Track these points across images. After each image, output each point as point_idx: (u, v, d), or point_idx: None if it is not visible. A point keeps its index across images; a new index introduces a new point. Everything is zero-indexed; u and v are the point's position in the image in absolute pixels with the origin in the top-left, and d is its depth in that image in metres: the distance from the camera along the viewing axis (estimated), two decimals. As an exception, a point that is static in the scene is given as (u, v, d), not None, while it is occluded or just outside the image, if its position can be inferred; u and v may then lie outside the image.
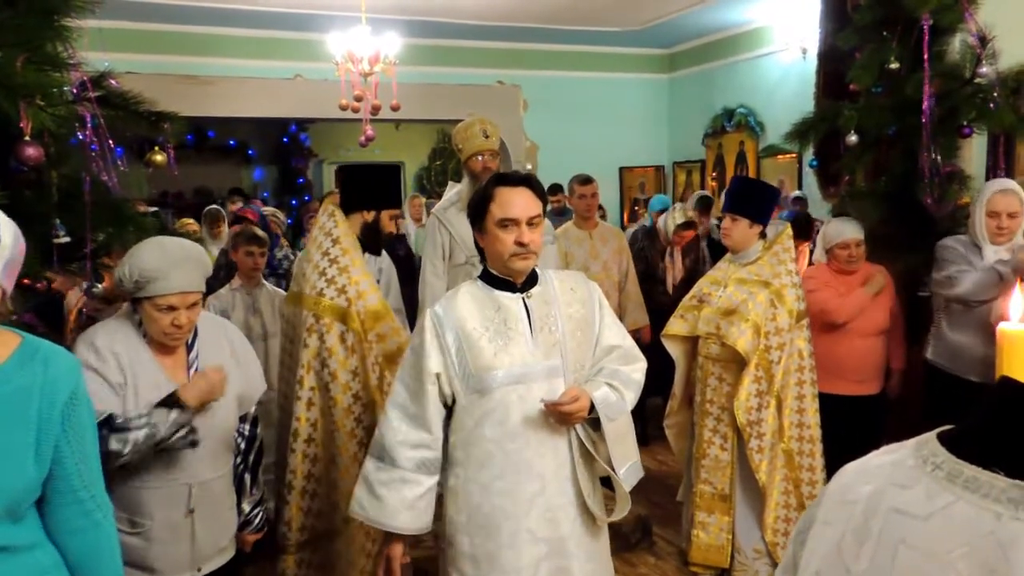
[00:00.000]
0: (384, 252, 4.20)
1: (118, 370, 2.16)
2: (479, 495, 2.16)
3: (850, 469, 0.95)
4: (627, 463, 2.21)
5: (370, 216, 3.12)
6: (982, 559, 0.77)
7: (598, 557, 2.30)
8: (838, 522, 0.90)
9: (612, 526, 3.90)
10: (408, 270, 7.10)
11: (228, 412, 2.36)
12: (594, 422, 2.20)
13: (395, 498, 2.15)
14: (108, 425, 2.04)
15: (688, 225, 5.51)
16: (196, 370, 2.29)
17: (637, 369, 2.30)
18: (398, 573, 2.20)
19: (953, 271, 3.40)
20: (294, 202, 11.87)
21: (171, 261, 2.15)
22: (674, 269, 5.62)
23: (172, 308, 2.17)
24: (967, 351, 3.39)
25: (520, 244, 2.12)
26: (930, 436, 0.89)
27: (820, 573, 0.89)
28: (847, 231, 3.73)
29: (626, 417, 2.20)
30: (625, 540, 4.06)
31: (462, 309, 2.17)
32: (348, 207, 3.09)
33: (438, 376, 2.15)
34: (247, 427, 2.51)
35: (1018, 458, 0.80)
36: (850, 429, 3.63)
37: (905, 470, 0.87)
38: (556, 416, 2.10)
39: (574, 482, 2.21)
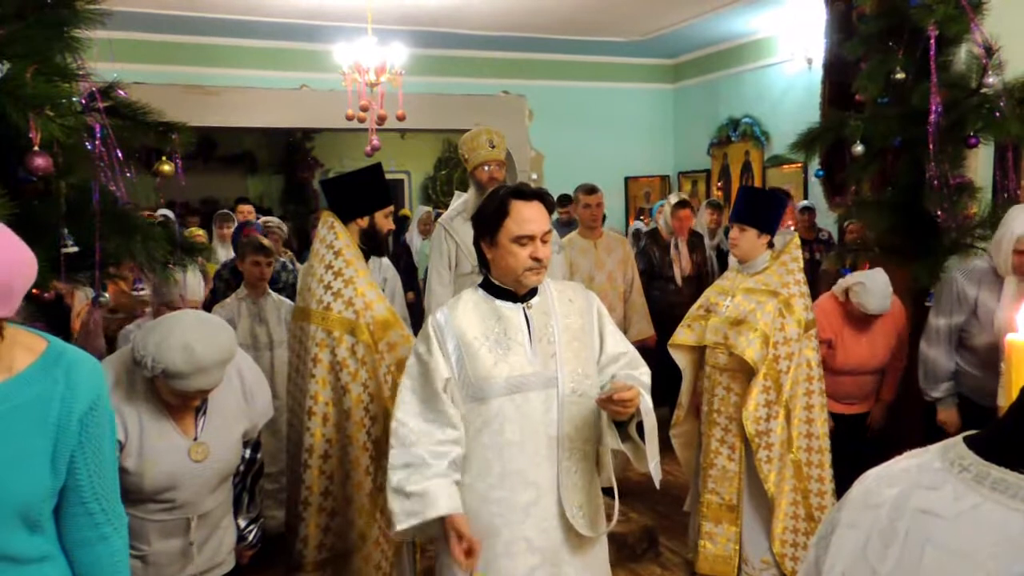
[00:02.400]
0: (388, 261, 4.22)
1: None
2: (476, 503, 2.16)
3: (873, 474, 0.95)
4: (655, 459, 2.20)
5: (365, 222, 3.08)
6: (1010, 559, 0.77)
7: (594, 568, 2.29)
8: (863, 525, 0.90)
9: (618, 536, 3.93)
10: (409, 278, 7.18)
11: (233, 452, 2.34)
12: (616, 427, 2.18)
13: (437, 487, 2.08)
14: None
15: (683, 204, 5.71)
16: (205, 414, 2.25)
17: (644, 374, 2.31)
18: (476, 545, 2.06)
19: (933, 327, 3.50)
20: (299, 212, 11.93)
21: (196, 367, 2.04)
22: (681, 260, 5.66)
23: (188, 397, 2.15)
24: (976, 376, 3.40)
25: (535, 259, 2.13)
26: (957, 440, 0.90)
27: (845, 575, 0.90)
28: (873, 303, 3.62)
29: (653, 415, 2.19)
30: (631, 550, 4.05)
31: (463, 318, 2.18)
32: (342, 218, 3.05)
33: (448, 381, 2.15)
34: (248, 451, 2.48)
35: None
36: (845, 443, 3.65)
37: (932, 472, 0.88)
38: (612, 408, 2.04)
39: (569, 491, 2.20)
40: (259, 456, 2.56)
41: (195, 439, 2.22)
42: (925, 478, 0.87)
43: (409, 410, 2.16)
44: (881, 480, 0.92)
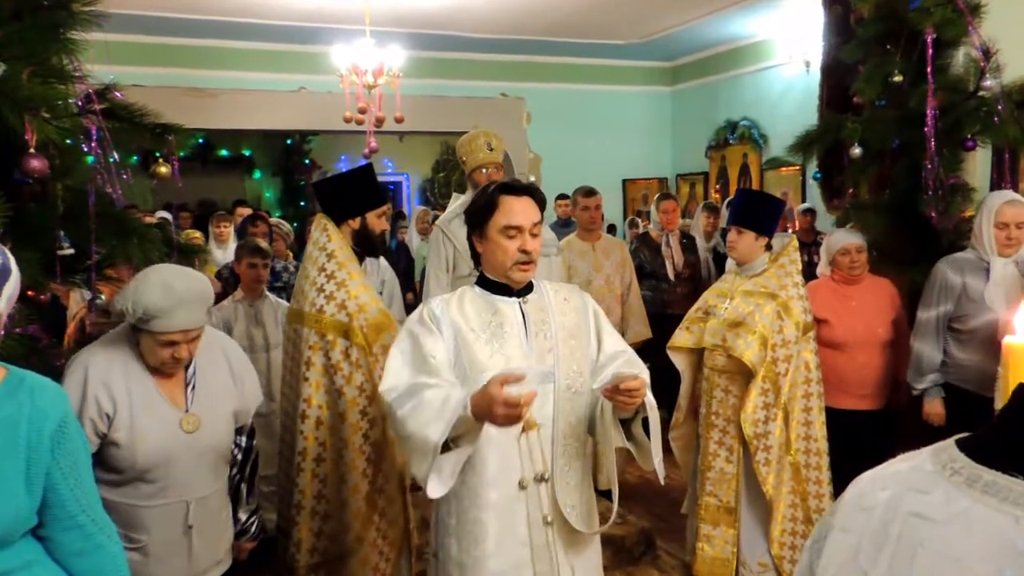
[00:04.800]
0: (386, 263, 4.21)
1: (97, 404, 2.14)
2: (468, 498, 2.16)
3: (866, 477, 0.95)
4: (659, 456, 2.19)
5: (356, 223, 3.06)
6: (1001, 563, 0.77)
7: (587, 567, 2.28)
8: (855, 529, 0.90)
9: (615, 539, 3.93)
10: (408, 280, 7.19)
11: (225, 428, 2.36)
12: (621, 425, 2.18)
13: (442, 398, 1.98)
14: None
15: (666, 196, 5.89)
16: (194, 388, 2.28)
17: (644, 372, 2.28)
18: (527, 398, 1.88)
19: (921, 320, 3.53)
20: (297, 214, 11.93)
21: (175, 300, 2.11)
22: (673, 255, 5.70)
23: (173, 343, 2.16)
24: (972, 366, 3.39)
25: (524, 252, 2.13)
26: (948, 443, 0.90)
27: None
28: (847, 238, 3.80)
29: (657, 412, 2.19)
30: (628, 553, 4.04)
31: (459, 310, 2.18)
32: (334, 219, 3.03)
33: (436, 357, 2.11)
34: (243, 439, 2.51)
35: None
36: (853, 444, 3.62)
37: (923, 475, 0.87)
38: (620, 398, 2.01)
39: (562, 489, 2.19)
40: (255, 444, 2.58)
41: (186, 412, 2.24)
42: (917, 481, 0.87)
43: (397, 374, 2.10)
44: (874, 483, 0.92)
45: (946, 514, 0.82)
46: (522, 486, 2.15)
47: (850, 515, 0.92)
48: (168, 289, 2.10)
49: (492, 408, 1.85)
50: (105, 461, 2.17)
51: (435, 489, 1.98)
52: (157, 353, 2.17)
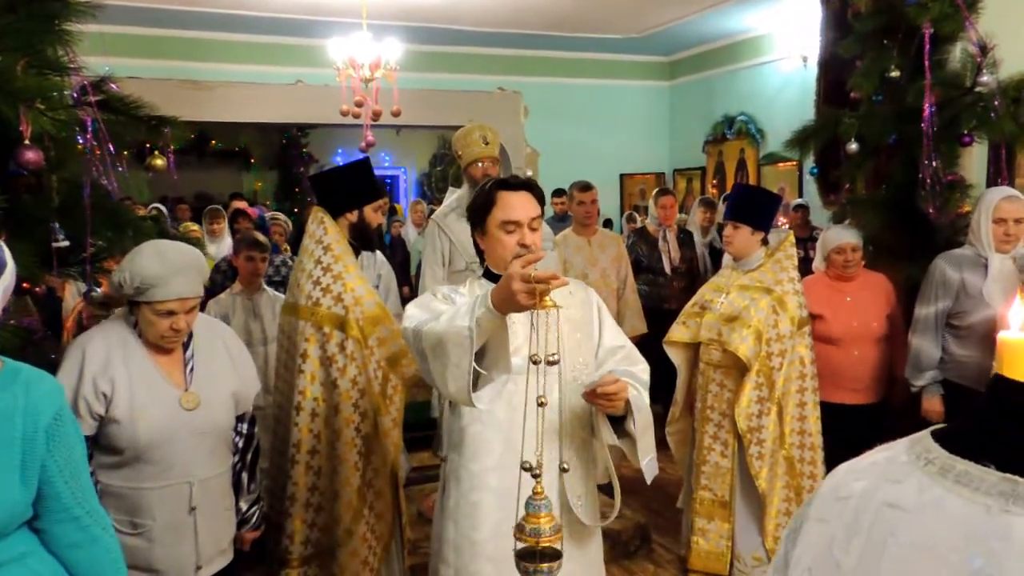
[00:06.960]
0: (383, 258, 4.21)
1: (94, 384, 2.16)
2: (469, 483, 2.18)
3: (843, 468, 0.96)
4: (648, 456, 2.20)
5: (354, 216, 3.07)
6: (971, 551, 0.77)
7: (585, 560, 2.27)
8: (831, 519, 0.90)
9: (611, 533, 3.93)
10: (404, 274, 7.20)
11: (225, 410, 2.38)
12: (613, 422, 2.19)
13: (460, 303, 1.99)
14: None
15: (664, 191, 5.90)
16: (192, 370, 2.30)
17: (643, 370, 2.31)
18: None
19: (920, 316, 3.53)
20: (296, 208, 11.92)
21: (171, 268, 2.17)
22: (670, 249, 5.74)
23: (171, 313, 2.19)
24: (970, 362, 3.40)
25: (523, 247, 2.13)
26: (924, 434, 0.90)
27: (812, 570, 0.90)
28: (843, 236, 3.78)
29: (648, 412, 2.19)
30: (624, 547, 4.05)
31: (469, 296, 2.18)
32: (331, 212, 3.03)
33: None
34: (244, 426, 2.53)
35: (1009, 453, 0.81)
36: (848, 438, 3.62)
37: (898, 466, 0.88)
38: (600, 402, 2.04)
39: (562, 481, 2.19)
40: (255, 431, 2.59)
41: (185, 390, 2.27)
42: (892, 471, 0.87)
43: (415, 317, 2.07)
44: (850, 474, 0.92)
45: (918, 503, 0.82)
46: (527, 472, 2.16)
47: (826, 505, 0.92)
48: (162, 257, 2.18)
49: (511, 285, 1.81)
50: (106, 442, 2.19)
51: (480, 401, 1.97)
52: (156, 325, 2.19)
